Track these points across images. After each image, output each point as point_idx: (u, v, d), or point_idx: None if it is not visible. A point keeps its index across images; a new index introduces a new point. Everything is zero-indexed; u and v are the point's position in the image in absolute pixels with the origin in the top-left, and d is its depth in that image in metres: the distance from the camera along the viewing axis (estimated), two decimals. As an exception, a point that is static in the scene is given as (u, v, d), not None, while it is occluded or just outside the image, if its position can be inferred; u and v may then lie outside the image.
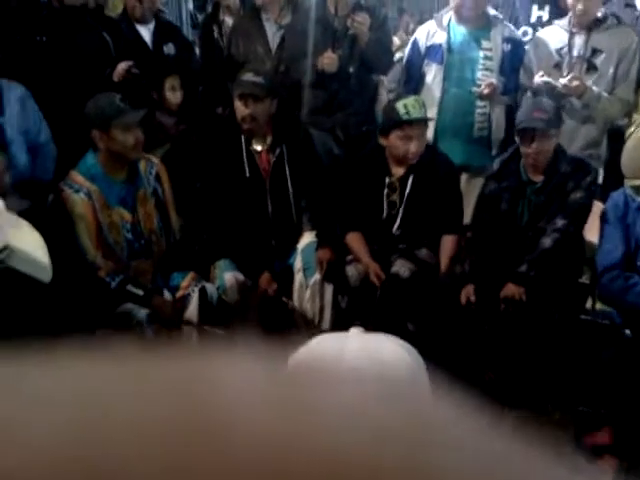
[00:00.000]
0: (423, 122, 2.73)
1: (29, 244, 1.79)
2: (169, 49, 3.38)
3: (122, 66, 2.99)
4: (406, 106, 2.65)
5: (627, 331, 2.36)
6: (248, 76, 2.78)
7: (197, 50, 4.52)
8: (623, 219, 2.36)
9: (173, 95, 3.10)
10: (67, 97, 2.53)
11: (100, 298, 2.21)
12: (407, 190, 2.83)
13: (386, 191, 2.87)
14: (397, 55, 5.89)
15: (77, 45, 2.96)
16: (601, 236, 2.45)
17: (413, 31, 7.93)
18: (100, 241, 2.38)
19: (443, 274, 2.81)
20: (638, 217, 2.34)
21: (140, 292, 2.31)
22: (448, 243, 2.88)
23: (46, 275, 1.65)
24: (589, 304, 2.93)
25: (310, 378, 0.20)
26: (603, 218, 2.46)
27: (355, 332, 0.72)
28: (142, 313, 2.26)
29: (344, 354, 0.67)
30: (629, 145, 2.31)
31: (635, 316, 2.29)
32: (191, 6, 12.02)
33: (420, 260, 2.87)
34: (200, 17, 12.51)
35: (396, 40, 6.92)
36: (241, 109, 2.76)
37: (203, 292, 2.51)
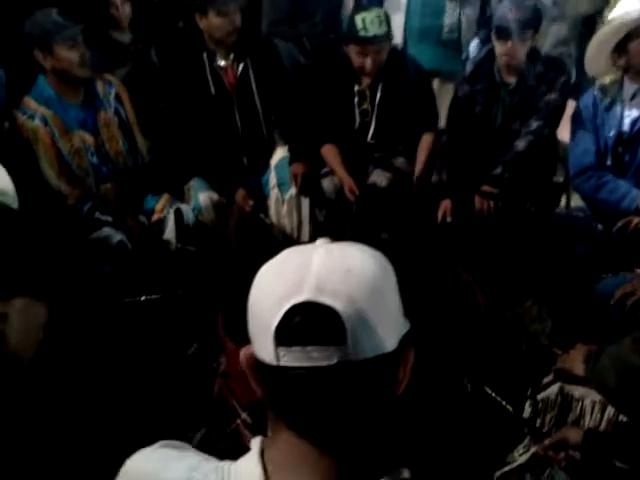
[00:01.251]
0: (383, 38, 2.59)
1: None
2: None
3: None
4: (364, 21, 2.54)
5: (599, 226, 2.41)
6: None
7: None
8: (593, 121, 2.35)
9: (119, 10, 2.93)
10: (10, 15, 2.38)
11: (71, 225, 2.17)
12: (377, 97, 2.78)
13: (356, 99, 2.81)
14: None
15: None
16: (572, 139, 2.45)
17: None
18: (63, 167, 2.31)
19: (418, 178, 2.79)
20: (607, 118, 2.32)
21: (109, 219, 2.28)
22: (425, 142, 2.85)
23: (13, 201, 1.60)
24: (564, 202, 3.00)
25: None
26: (574, 120, 2.44)
27: (321, 243, 0.72)
28: (117, 237, 2.23)
29: (311, 265, 0.67)
30: (592, 44, 2.28)
31: (607, 211, 2.33)
32: None
33: (397, 169, 2.86)
34: None
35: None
36: (220, 25, 2.61)
37: (179, 214, 2.48)
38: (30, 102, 2.31)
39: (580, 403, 1.56)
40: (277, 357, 0.66)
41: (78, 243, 2.13)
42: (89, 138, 2.39)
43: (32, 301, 1.44)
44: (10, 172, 1.80)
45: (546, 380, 1.66)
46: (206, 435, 1.75)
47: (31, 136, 2.27)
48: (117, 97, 2.53)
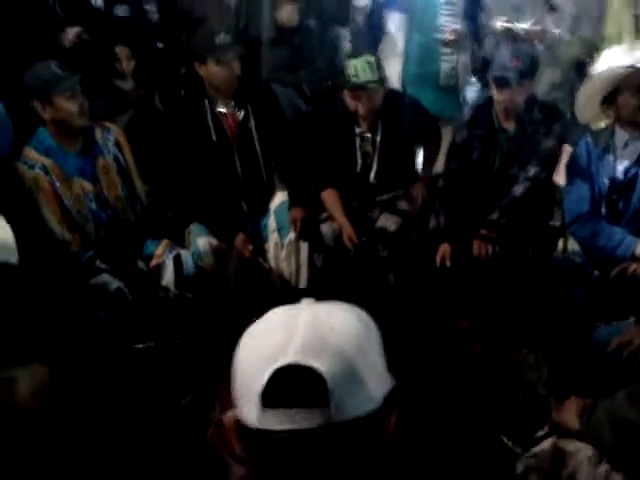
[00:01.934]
0: (374, 83, 2.64)
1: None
2: (122, 10, 3.26)
3: (72, 32, 2.90)
4: (355, 67, 2.60)
5: (596, 272, 2.42)
6: (222, 39, 2.66)
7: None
8: (587, 168, 2.38)
9: (124, 65, 3.02)
10: (18, 67, 2.44)
11: (71, 272, 2.20)
12: (378, 138, 2.83)
13: (358, 141, 2.87)
14: (362, 1, 5.79)
15: (23, 11, 2.84)
16: (567, 185, 2.47)
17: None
18: (64, 214, 2.34)
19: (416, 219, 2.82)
20: (600, 166, 2.35)
21: (108, 267, 2.30)
22: (428, 152, 2.98)
23: (12, 254, 1.63)
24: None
25: None
26: (569, 167, 2.47)
27: (307, 303, 0.74)
28: (115, 284, 2.25)
29: (296, 326, 0.69)
30: (580, 95, 2.32)
31: (603, 258, 2.34)
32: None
33: (402, 211, 2.90)
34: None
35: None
36: (220, 73, 2.67)
37: (178, 259, 2.50)
38: (30, 152, 2.35)
39: (574, 458, 1.55)
40: (261, 419, 0.66)
41: (76, 290, 2.14)
42: (88, 185, 2.42)
43: (36, 365, 1.48)
44: (12, 222, 1.83)
45: (540, 433, 1.65)
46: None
47: (32, 185, 2.31)
48: (116, 144, 2.57)
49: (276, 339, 0.69)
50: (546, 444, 1.61)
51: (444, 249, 2.74)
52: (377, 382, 0.70)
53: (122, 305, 2.20)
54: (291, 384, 0.66)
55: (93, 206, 2.43)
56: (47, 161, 2.34)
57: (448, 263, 2.71)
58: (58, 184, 2.33)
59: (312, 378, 0.65)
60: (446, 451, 1.95)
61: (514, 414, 2.02)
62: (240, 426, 0.70)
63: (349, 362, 0.67)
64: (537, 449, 1.62)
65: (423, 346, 2.43)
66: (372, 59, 2.63)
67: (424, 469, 1.80)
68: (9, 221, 1.76)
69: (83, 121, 2.38)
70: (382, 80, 2.68)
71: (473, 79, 3.65)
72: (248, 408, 0.68)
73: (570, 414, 1.59)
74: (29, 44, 2.78)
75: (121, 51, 3.00)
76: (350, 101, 2.71)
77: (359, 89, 2.65)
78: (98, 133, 2.52)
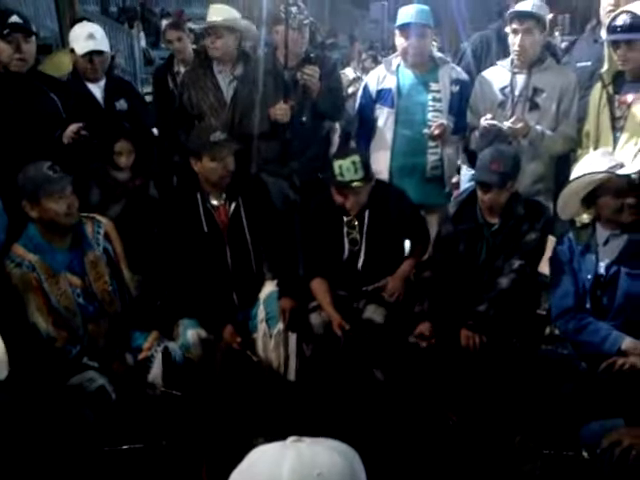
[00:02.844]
0: (358, 182, 2.73)
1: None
2: (121, 105, 3.38)
3: (71, 128, 2.98)
4: (341, 167, 2.71)
5: (583, 364, 2.43)
6: (217, 136, 2.74)
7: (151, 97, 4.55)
8: (570, 264, 2.44)
9: (123, 159, 3.10)
10: (18, 163, 2.50)
11: (58, 368, 2.18)
12: (365, 225, 2.90)
13: (345, 230, 2.93)
14: (351, 89, 6.01)
15: (25, 109, 2.94)
16: (552, 280, 2.52)
17: (364, 60, 8.15)
18: (50, 311, 2.33)
19: (389, 292, 2.90)
20: (583, 262, 2.42)
21: (95, 364, 2.29)
22: (414, 251, 3.06)
23: (3, 369, 1.62)
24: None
25: None
26: (552, 263, 2.53)
27: (291, 442, 0.74)
28: (99, 381, 2.23)
29: (282, 472, 0.69)
30: (562, 195, 2.42)
31: (590, 352, 2.36)
32: (143, 43, 12.13)
33: (390, 304, 2.92)
34: (152, 53, 12.55)
35: (350, 72, 7.07)
36: (214, 169, 2.75)
37: (166, 353, 2.49)
38: (19, 249, 2.37)
39: None
40: None
41: (60, 387, 2.12)
42: (76, 280, 2.43)
43: None
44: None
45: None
46: None
47: (19, 284, 2.31)
48: (106, 236, 2.59)
49: None
50: None
51: (423, 327, 2.78)
52: None
53: (106, 404, 2.16)
54: None
55: (81, 300, 2.43)
56: (34, 258, 2.35)
57: (425, 343, 2.72)
58: (45, 281, 2.33)
59: None
60: None
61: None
62: None
63: None
64: None
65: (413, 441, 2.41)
66: (358, 159, 2.72)
67: None
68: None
69: (70, 220, 2.40)
70: (367, 178, 2.77)
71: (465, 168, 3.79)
72: None
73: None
74: (29, 141, 2.86)
75: (122, 146, 3.08)
76: (337, 196, 2.81)
77: (344, 187, 2.75)
78: (88, 228, 2.54)
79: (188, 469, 2.01)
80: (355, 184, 2.73)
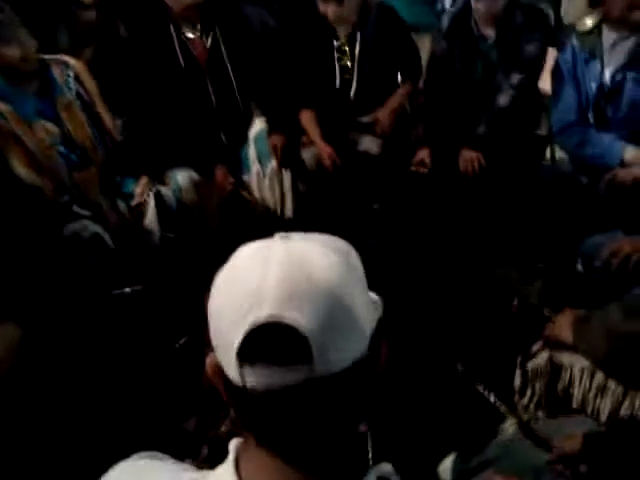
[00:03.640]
0: None
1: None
2: None
3: None
4: None
5: (584, 178, 2.39)
6: None
7: None
8: (573, 75, 2.29)
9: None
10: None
11: (48, 219, 2.13)
12: (357, 51, 2.72)
13: (336, 55, 2.75)
14: None
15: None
16: (554, 95, 2.39)
17: None
18: (29, 158, 2.23)
19: (381, 124, 2.77)
20: (587, 71, 2.26)
21: (87, 212, 2.22)
22: (401, 90, 2.87)
23: None
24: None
25: None
26: (554, 75, 2.38)
27: (279, 238, 0.66)
28: (93, 229, 2.18)
29: (269, 270, 0.62)
30: None
31: (592, 165, 2.30)
32: None
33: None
34: None
35: None
36: None
37: (159, 197, 2.43)
38: None
39: (569, 371, 1.56)
40: (241, 375, 0.61)
41: (55, 237, 2.08)
42: (52, 127, 2.30)
43: (4, 324, 1.43)
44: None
45: (535, 348, 1.66)
46: (199, 423, 1.75)
47: None
48: (77, 79, 2.41)
49: (249, 287, 0.61)
50: (541, 358, 1.62)
51: (422, 153, 2.70)
52: (363, 327, 0.64)
53: (103, 251, 2.14)
54: (269, 341, 0.60)
55: (62, 149, 2.32)
56: (4, 107, 2.20)
57: (426, 169, 2.66)
58: (19, 129, 2.21)
59: (292, 334, 0.59)
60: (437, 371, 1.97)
61: (508, 328, 2.03)
62: (222, 373, 0.65)
63: (332, 313, 0.61)
64: (533, 363, 1.63)
65: (413, 266, 2.43)
66: None
67: (415, 391, 1.82)
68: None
69: (29, 66, 2.23)
70: None
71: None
72: (226, 361, 0.63)
73: (564, 327, 1.59)
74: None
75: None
76: (320, 3, 2.59)
77: None
78: (56, 70, 2.37)
79: (194, 307, 2.02)
80: None
